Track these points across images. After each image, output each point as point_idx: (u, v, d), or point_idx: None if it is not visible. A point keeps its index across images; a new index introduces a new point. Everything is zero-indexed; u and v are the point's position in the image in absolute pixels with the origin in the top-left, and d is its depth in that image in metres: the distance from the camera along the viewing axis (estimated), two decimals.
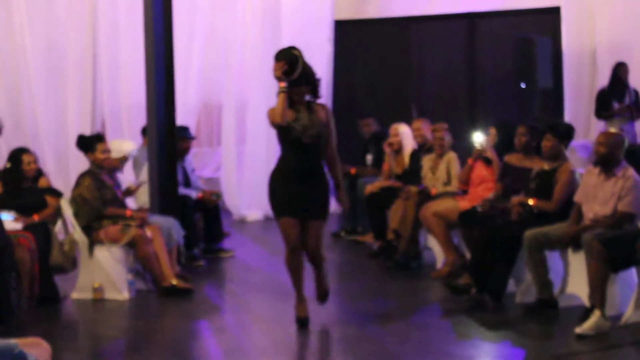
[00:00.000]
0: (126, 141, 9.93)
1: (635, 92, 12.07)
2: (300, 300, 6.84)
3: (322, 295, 6.98)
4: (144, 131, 9.94)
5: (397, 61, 14.15)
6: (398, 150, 10.10)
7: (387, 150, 10.29)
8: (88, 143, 8.25)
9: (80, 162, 10.19)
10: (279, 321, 7.12)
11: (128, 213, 8.17)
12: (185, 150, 9.91)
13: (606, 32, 12.81)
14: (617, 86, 11.98)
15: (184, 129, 10.00)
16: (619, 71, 11.99)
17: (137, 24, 10.25)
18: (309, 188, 6.59)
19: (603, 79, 12.38)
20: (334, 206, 11.86)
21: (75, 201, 8.12)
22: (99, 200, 8.09)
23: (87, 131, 11.86)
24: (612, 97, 11.94)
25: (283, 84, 6.44)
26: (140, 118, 11.43)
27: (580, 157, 11.20)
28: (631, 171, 6.92)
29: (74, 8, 13.25)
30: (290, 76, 6.43)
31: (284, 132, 6.56)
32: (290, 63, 6.44)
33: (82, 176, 8.20)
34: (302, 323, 6.78)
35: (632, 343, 6.24)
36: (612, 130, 8.52)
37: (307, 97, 6.62)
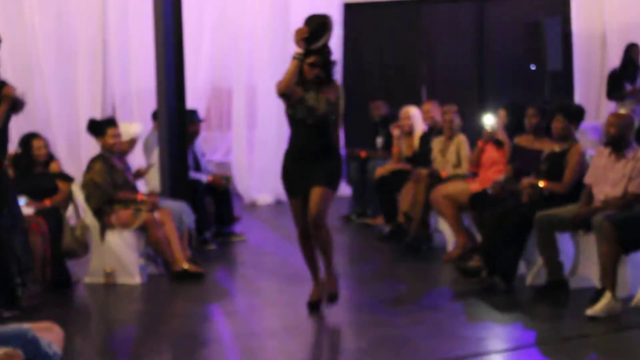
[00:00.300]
0: (133, 124, 9.93)
1: None
2: (316, 283, 6.82)
3: (330, 296, 6.75)
4: (155, 115, 9.94)
5: (407, 44, 14.12)
6: (409, 132, 10.11)
7: (394, 133, 10.28)
8: (99, 127, 8.25)
9: (91, 147, 10.21)
10: (290, 305, 7.15)
11: (139, 197, 8.18)
12: (195, 134, 9.90)
13: (616, 13, 12.75)
14: (629, 67, 11.93)
15: (192, 112, 9.99)
16: (631, 52, 11.94)
17: (147, 9, 10.25)
18: (316, 166, 6.49)
19: (613, 61, 12.34)
20: (343, 189, 11.93)
21: (86, 185, 8.13)
22: (110, 185, 8.09)
23: (98, 116, 11.84)
24: (624, 79, 11.89)
25: (299, 50, 6.32)
26: (150, 103, 11.41)
27: (590, 139, 11.18)
28: None
29: None
30: (310, 45, 6.29)
31: (291, 112, 6.50)
32: (314, 32, 6.30)
33: (93, 160, 8.21)
34: (314, 306, 6.77)
35: None
36: (623, 111, 8.50)
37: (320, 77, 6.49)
